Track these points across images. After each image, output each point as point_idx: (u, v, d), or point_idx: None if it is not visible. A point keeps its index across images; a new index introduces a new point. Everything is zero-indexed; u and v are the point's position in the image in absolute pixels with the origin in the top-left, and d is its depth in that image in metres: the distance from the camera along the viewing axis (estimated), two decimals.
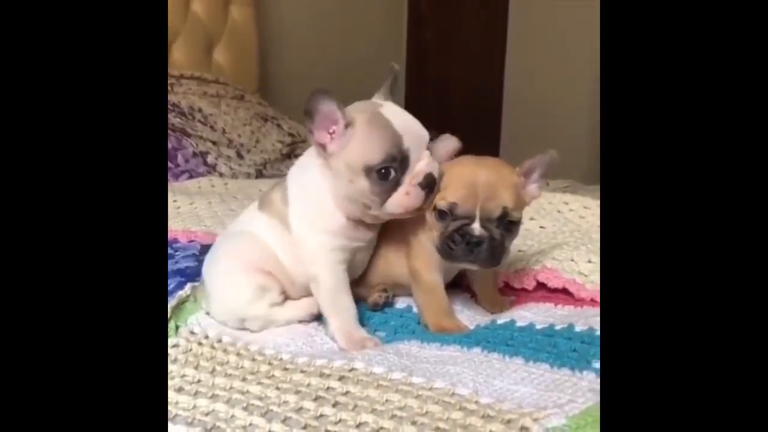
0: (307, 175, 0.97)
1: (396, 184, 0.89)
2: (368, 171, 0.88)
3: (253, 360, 0.86)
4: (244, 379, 0.80)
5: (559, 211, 1.48)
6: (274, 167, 2.29)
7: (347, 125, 0.89)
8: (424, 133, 0.93)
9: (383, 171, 0.88)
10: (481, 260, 0.92)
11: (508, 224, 0.92)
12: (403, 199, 0.90)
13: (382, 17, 3.68)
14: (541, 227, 1.40)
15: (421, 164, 0.91)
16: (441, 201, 0.92)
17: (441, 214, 0.92)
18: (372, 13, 3.58)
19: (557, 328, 0.90)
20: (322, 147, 0.92)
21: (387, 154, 0.88)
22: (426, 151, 0.93)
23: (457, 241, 0.91)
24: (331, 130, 0.90)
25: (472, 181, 0.91)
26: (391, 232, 1.02)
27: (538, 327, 0.91)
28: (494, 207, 0.90)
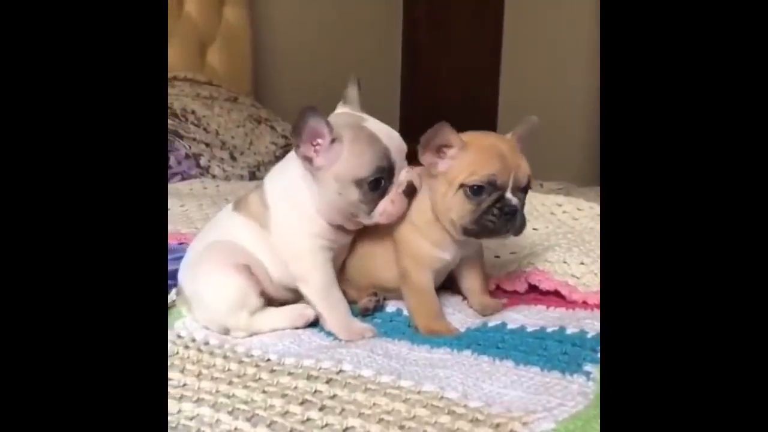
0: (289, 182, 0.99)
1: (383, 193, 0.94)
2: (359, 183, 0.92)
3: (240, 362, 0.85)
4: (230, 383, 0.79)
5: (552, 213, 1.47)
6: (267, 169, 2.25)
7: (333, 140, 0.92)
8: (403, 144, 0.97)
9: (374, 182, 0.92)
10: (516, 228, 0.92)
11: (525, 192, 0.94)
12: (388, 207, 0.94)
13: (378, 19, 3.67)
14: (534, 229, 1.39)
15: (404, 173, 0.95)
16: (472, 177, 0.90)
17: (476, 191, 0.90)
18: (367, 15, 3.57)
19: (548, 330, 0.89)
20: (309, 161, 0.93)
21: (377, 166, 0.92)
22: (405, 161, 0.97)
23: (496, 214, 0.90)
24: (315, 143, 0.92)
25: (499, 152, 0.91)
26: (378, 234, 1.01)
27: (529, 329, 0.91)
28: (523, 175, 0.92)
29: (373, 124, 0.96)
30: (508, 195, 0.90)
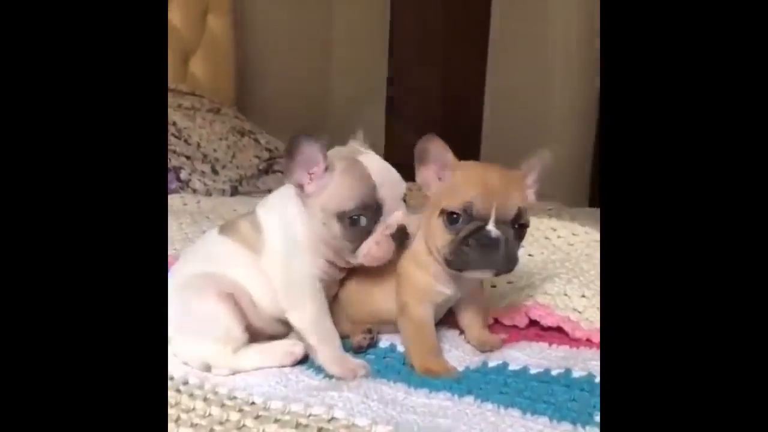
0: (284, 210, 0.93)
1: (368, 232, 0.88)
2: (341, 216, 0.87)
3: (222, 406, 0.78)
4: (210, 431, 0.72)
5: (546, 238, 1.43)
6: (250, 183, 2.20)
7: (327, 168, 0.88)
8: (401, 185, 0.92)
9: (355, 218, 0.87)
10: (498, 265, 0.85)
11: (520, 228, 0.86)
12: (372, 248, 0.89)
13: (363, 29, 3.62)
14: (529, 255, 1.34)
15: (396, 215, 0.89)
16: (451, 203, 0.85)
17: (452, 218, 0.85)
18: (353, 26, 3.51)
19: (553, 373, 0.83)
20: (300, 187, 0.89)
21: (360, 202, 0.87)
22: (402, 203, 0.91)
23: (472, 245, 0.83)
24: (311, 171, 0.88)
25: (485, 180, 0.85)
26: (375, 266, 0.94)
27: (533, 371, 0.85)
28: (510, 207, 0.84)
29: (370, 160, 0.91)
30: (489, 227, 0.84)
